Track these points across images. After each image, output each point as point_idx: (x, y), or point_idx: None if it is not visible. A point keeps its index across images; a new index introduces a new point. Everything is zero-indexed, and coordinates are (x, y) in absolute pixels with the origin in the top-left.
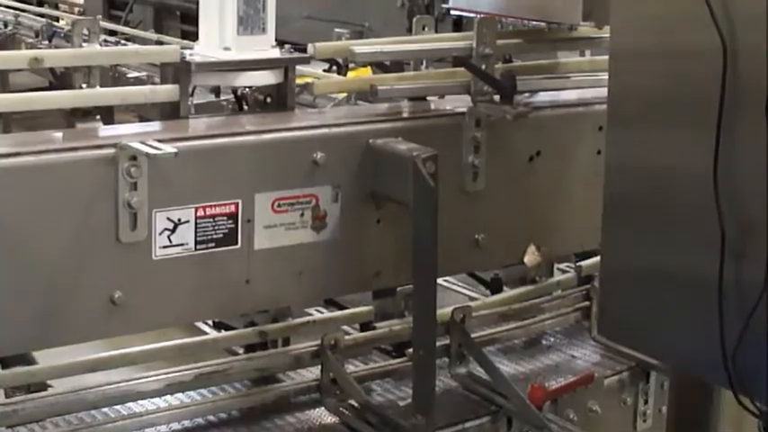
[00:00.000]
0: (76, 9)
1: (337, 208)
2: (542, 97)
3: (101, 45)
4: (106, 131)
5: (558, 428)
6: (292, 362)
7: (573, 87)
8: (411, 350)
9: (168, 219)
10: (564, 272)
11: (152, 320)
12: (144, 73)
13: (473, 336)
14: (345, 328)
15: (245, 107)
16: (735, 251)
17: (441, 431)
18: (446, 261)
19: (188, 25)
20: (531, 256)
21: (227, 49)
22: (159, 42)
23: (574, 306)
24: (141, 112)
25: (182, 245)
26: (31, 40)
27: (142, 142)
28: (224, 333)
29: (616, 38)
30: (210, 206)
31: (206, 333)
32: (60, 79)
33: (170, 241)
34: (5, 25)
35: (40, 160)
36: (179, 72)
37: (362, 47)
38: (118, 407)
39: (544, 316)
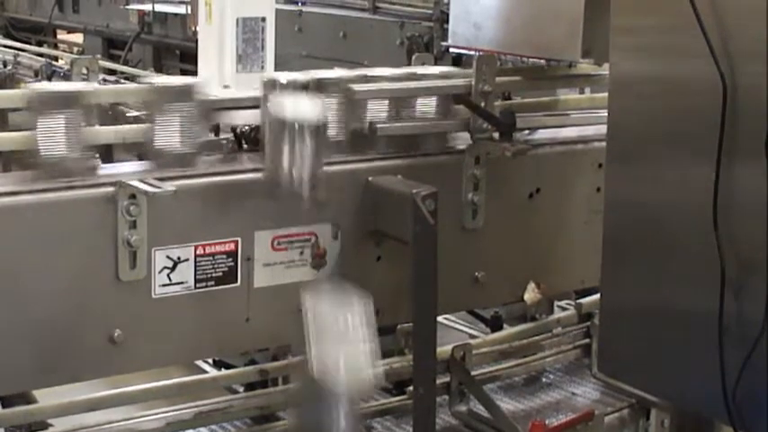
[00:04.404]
0: (75, 48)
1: (337, 245)
2: (542, 134)
3: (100, 84)
4: (105, 170)
5: None
6: None
7: (572, 124)
8: (411, 388)
9: (168, 257)
10: (564, 309)
11: (152, 359)
12: (143, 112)
13: (473, 373)
14: None
15: (245, 145)
16: (734, 287)
17: None
18: (446, 298)
19: (187, 64)
20: (530, 294)
21: (226, 87)
22: None
23: (574, 343)
24: (140, 151)
25: (181, 283)
26: (30, 80)
27: (141, 180)
28: (224, 371)
29: (615, 74)
30: (210, 244)
31: (206, 371)
32: None
33: (170, 279)
34: (5, 65)
35: (40, 199)
36: None
37: (361, 85)
38: None
39: (544, 353)
